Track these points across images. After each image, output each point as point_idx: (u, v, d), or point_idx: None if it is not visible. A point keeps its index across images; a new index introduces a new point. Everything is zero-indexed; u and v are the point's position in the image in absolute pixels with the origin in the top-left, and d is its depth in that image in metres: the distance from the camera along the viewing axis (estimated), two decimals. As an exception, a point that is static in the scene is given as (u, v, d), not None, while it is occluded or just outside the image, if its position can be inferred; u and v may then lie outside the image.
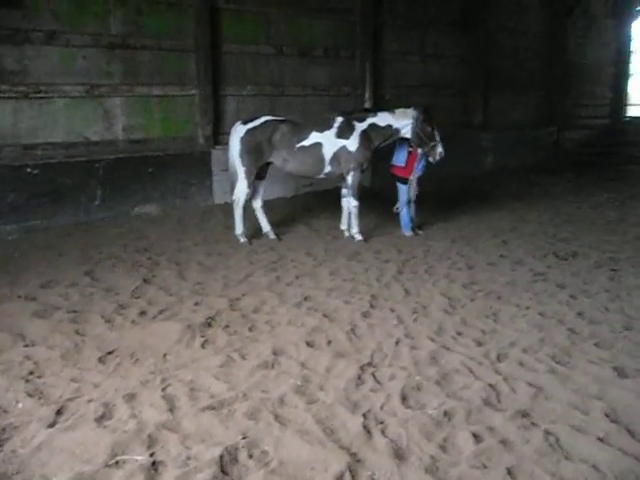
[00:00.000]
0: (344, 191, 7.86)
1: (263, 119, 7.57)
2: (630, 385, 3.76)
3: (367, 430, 3.27)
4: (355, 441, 3.17)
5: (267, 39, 10.34)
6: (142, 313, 5.16)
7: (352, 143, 7.48)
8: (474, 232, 8.31)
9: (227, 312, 5.17)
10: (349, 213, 7.86)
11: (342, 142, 7.48)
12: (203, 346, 4.47)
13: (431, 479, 2.84)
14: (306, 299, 5.50)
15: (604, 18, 17.05)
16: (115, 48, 8.69)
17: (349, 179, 7.61)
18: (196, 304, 5.39)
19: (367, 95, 11.62)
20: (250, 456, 3.05)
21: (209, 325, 4.87)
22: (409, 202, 7.97)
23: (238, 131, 7.53)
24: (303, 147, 7.44)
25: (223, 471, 2.90)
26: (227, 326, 4.85)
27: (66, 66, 8.33)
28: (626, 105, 18.52)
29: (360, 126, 7.55)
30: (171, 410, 3.51)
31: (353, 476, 2.88)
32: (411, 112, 7.52)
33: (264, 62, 10.40)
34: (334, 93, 11.37)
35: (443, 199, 10.60)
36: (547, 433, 3.22)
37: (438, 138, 7.54)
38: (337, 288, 5.82)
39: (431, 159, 7.67)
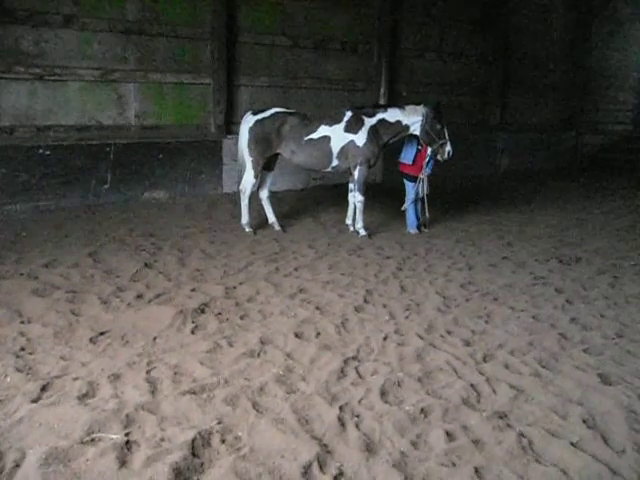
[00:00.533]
0: (351, 186, 7.88)
1: (273, 110, 7.61)
2: (612, 392, 3.74)
3: (342, 422, 3.29)
4: (328, 432, 3.20)
5: (283, 30, 10.36)
6: (139, 296, 5.23)
7: (360, 138, 7.48)
8: (480, 232, 8.28)
9: (222, 300, 5.22)
10: (354, 208, 7.87)
11: (350, 136, 7.49)
12: (193, 332, 4.53)
13: (397, 474, 2.86)
14: (301, 291, 5.53)
15: (631, 22, 16.78)
16: (131, 34, 8.78)
17: (355, 174, 7.61)
18: (193, 290, 5.45)
19: (382, 91, 11.59)
20: (223, 441, 3.09)
21: (202, 311, 4.92)
22: (417, 200, 7.95)
23: (247, 121, 7.58)
24: (311, 140, 7.46)
25: (194, 454, 2.95)
26: (219, 313, 4.90)
27: (82, 50, 8.44)
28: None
29: (369, 121, 7.54)
30: (152, 392, 3.56)
31: (321, 466, 2.91)
32: (421, 109, 7.51)
33: (279, 53, 10.42)
34: (349, 87, 11.36)
35: (453, 198, 10.56)
36: (521, 435, 3.23)
37: (447, 136, 7.53)
38: (334, 281, 5.84)
39: (439, 157, 7.67)
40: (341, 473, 2.89)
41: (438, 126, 7.49)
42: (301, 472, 2.86)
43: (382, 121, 7.55)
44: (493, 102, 13.91)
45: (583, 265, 6.84)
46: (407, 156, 7.87)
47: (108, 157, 8.68)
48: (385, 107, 7.82)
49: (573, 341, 4.61)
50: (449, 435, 3.21)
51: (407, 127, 7.58)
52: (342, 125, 7.52)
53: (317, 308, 5.08)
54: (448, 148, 7.54)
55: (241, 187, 7.73)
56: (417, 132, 7.56)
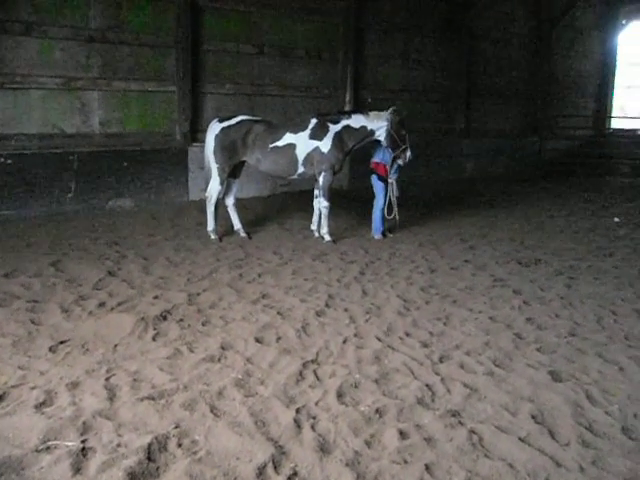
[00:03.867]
0: (316, 192, 7.96)
1: (239, 118, 7.68)
2: (561, 389, 3.87)
3: (298, 424, 3.35)
4: (284, 434, 3.25)
5: (248, 38, 10.43)
6: (101, 305, 5.23)
7: (325, 144, 7.59)
8: (443, 237, 8.43)
9: (184, 306, 5.24)
10: (319, 214, 7.95)
11: (315, 143, 7.59)
12: (154, 338, 4.55)
13: (350, 472, 2.93)
14: (264, 296, 5.58)
15: (590, 30, 17.23)
16: (94, 42, 8.77)
17: (320, 180, 7.71)
18: (155, 297, 5.46)
19: (348, 98, 11.73)
20: (179, 445, 3.12)
21: (164, 318, 4.94)
22: (384, 205, 8.04)
23: (213, 129, 7.63)
24: (276, 147, 7.54)
25: (149, 458, 2.97)
26: (181, 320, 4.93)
27: (43, 58, 8.41)
28: (609, 117, 18.70)
29: (334, 128, 7.66)
30: (111, 399, 3.58)
31: (276, 467, 2.97)
32: (385, 115, 7.71)
33: (245, 61, 10.49)
34: (315, 94, 11.47)
35: (418, 203, 10.71)
36: (472, 432, 3.32)
37: (408, 142, 7.74)
38: (296, 287, 5.90)
39: (400, 162, 7.87)
40: (295, 473, 2.94)
41: (403, 132, 7.70)
42: (256, 473, 2.91)
43: (347, 127, 7.68)
44: (458, 108, 14.16)
45: (541, 267, 7.01)
46: (385, 158, 7.93)
47: (72, 166, 8.64)
48: (349, 113, 7.95)
49: (527, 340, 4.73)
50: (402, 434, 3.29)
51: (372, 132, 7.73)
52: (307, 132, 7.62)
53: (279, 313, 5.13)
54: (409, 153, 7.79)
55: (207, 194, 7.76)
56: (382, 137, 7.71)
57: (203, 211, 9.35)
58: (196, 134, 9.93)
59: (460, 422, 3.44)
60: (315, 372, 4.02)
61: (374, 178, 8.09)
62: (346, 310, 5.28)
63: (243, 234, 7.93)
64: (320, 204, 7.85)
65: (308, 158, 7.62)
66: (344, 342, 4.55)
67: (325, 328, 4.84)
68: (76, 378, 3.82)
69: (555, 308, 5.56)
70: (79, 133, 8.86)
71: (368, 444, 3.20)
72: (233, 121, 7.61)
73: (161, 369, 3.99)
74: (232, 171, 7.76)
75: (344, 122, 7.69)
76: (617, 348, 4.61)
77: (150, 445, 3.06)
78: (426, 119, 13.41)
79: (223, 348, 4.37)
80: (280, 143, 7.55)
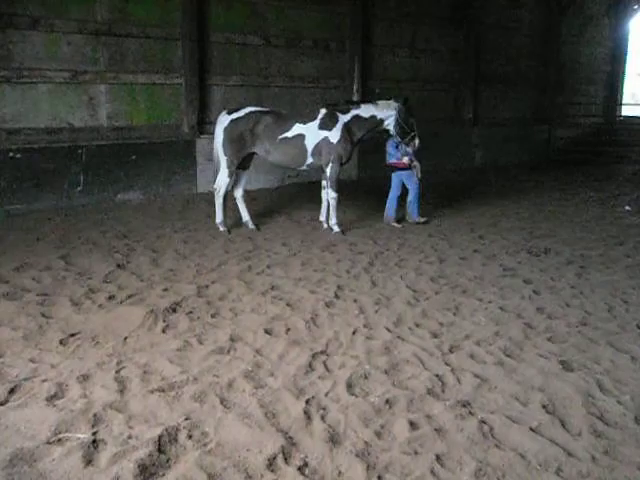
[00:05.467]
0: (324, 182, 7.93)
1: (248, 109, 7.64)
2: (573, 378, 3.84)
3: (308, 415, 3.35)
4: (294, 425, 3.26)
5: (255, 29, 10.38)
6: (111, 297, 5.24)
7: (334, 135, 7.57)
8: (452, 226, 8.39)
9: (193, 298, 5.25)
10: (328, 205, 7.93)
11: (324, 133, 7.56)
12: (164, 331, 4.56)
13: (360, 463, 2.92)
14: (273, 288, 5.58)
15: (600, 16, 17.04)
16: (101, 35, 8.76)
17: (328, 171, 7.68)
18: (165, 290, 5.47)
19: (355, 88, 11.67)
20: (190, 437, 3.13)
21: (173, 311, 4.95)
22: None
23: (222, 121, 7.60)
24: (286, 138, 7.51)
25: (160, 450, 2.99)
26: (191, 312, 4.94)
27: (50, 52, 8.40)
28: (620, 104, 18.51)
29: (343, 118, 7.64)
30: (121, 391, 3.59)
31: (286, 458, 2.97)
32: (393, 104, 7.72)
33: (252, 52, 10.45)
34: (322, 85, 11.42)
35: (426, 193, 10.63)
36: (482, 422, 3.31)
37: (416, 129, 7.79)
38: (305, 278, 5.89)
39: (410, 149, 7.95)
40: (305, 464, 2.94)
41: (411, 119, 7.73)
42: (266, 464, 2.91)
43: (356, 117, 7.67)
44: (466, 97, 14.05)
45: (551, 256, 6.97)
46: (398, 155, 8.07)
47: (80, 159, 8.65)
48: (358, 103, 7.93)
49: (538, 330, 4.71)
50: (412, 425, 3.28)
51: (382, 121, 7.75)
52: (316, 123, 7.59)
53: (288, 305, 5.13)
54: (417, 141, 7.84)
55: (215, 186, 7.74)
56: (390, 126, 7.75)
57: (211, 203, 9.35)
58: (204, 126, 9.92)
59: (470, 412, 3.43)
60: (325, 363, 4.02)
61: (397, 174, 8.21)
62: (355, 301, 5.27)
63: (252, 226, 7.93)
64: (328, 195, 7.83)
65: (317, 148, 7.59)
66: (353, 333, 4.54)
67: (334, 319, 4.83)
68: (87, 371, 3.84)
69: (566, 297, 5.52)
70: (87, 127, 8.87)
71: (378, 435, 3.19)
72: (242, 112, 7.57)
73: (171, 361, 4.00)
74: (242, 163, 7.75)
75: (354, 112, 7.68)
76: (629, 337, 4.58)
77: (160, 437, 3.07)
78: (434, 108, 13.32)
79: (232, 340, 4.38)
80: (289, 134, 7.52)
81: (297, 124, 7.57)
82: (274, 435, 3.14)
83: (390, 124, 7.75)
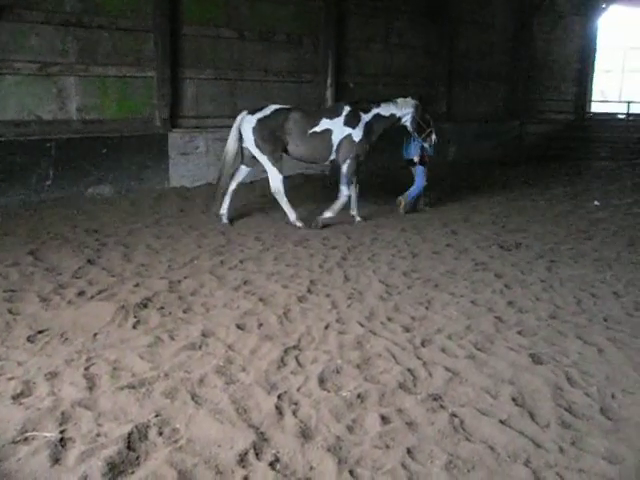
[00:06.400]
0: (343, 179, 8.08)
1: (272, 107, 7.73)
2: (542, 371, 3.90)
3: (279, 410, 3.34)
4: (265, 421, 3.24)
5: (228, 22, 10.27)
6: (80, 293, 5.16)
7: (357, 133, 7.84)
8: (425, 221, 8.44)
9: (165, 294, 5.20)
10: (355, 199, 8.18)
11: (349, 130, 7.81)
12: (135, 326, 4.51)
13: (331, 458, 2.93)
14: (246, 283, 5.56)
15: (571, 14, 17.24)
16: (70, 26, 8.58)
17: (344, 168, 7.90)
18: (136, 285, 5.40)
19: (329, 82, 11.63)
20: (160, 433, 3.10)
21: (144, 306, 4.89)
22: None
23: (248, 121, 7.61)
24: (315, 133, 7.70)
25: (130, 447, 2.95)
26: (162, 307, 4.89)
27: (18, 42, 8.20)
28: (590, 101, 18.77)
29: (365, 117, 7.91)
30: (90, 388, 3.54)
31: (257, 454, 2.96)
32: (411, 101, 8.16)
33: (225, 46, 10.33)
34: (296, 79, 11.36)
35: (399, 188, 10.67)
36: (453, 416, 3.33)
37: (432, 125, 8.31)
38: (278, 273, 5.88)
39: (427, 145, 8.41)
40: (277, 459, 2.93)
41: (427, 116, 8.29)
42: (237, 460, 2.90)
43: (377, 116, 7.96)
44: (439, 92, 14.10)
45: (523, 250, 7.05)
46: (412, 152, 8.56)
47: (49, 153, 8.48)
48: (378, 102, 8.15)
49: (508, 324, 4.76)
50: (384, 419, 3.29)
51: (400, 119, 8.16)
52: (342, 119, 7.81)
53: (260, 299, 5.11)
54: (434, 136, 8.35)
55: (273, 190, 7.77)
56: (408, 123, 8.17)
57: (184, 197, 9.33)
58: (176, 120, 9.81)
59: (441, 406, 3.46)
60: (297, 358, 4.01)
61: (419, 168, 8.65)
62: (328, 295, 5.27)
63: (225, 220, 7.88)
64: (340, 191, 7.93)
65: (340, 145, 7.82)
66: (326, 328, 4.54)
67: (307, 314, 4.83)
68: (55, 368, 3.77)
69: (536, 291, 5.59)
70: (56, 120, 8.69)
71: (350, 429, 3.20)
72: (267, 111, 7.63)
73: (141, 357, 3.96)
74: (241, 156, 7.80)
75: (375, 110, 7.96)
76: (596, 330, 4.66)
77: (130, 434, 3.04)
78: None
79: (204, 335, 4.35)
80: (318, 129, 7.71)
81: (324, 119, 7.77)
82: (245, 431, 3.13)
83: (407, 121, 8.14)
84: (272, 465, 2.89)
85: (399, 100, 8.08)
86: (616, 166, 15.15)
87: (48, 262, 6.02)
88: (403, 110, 8.07)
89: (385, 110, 7.99)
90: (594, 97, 19.12)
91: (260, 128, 7.50)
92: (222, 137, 10.05)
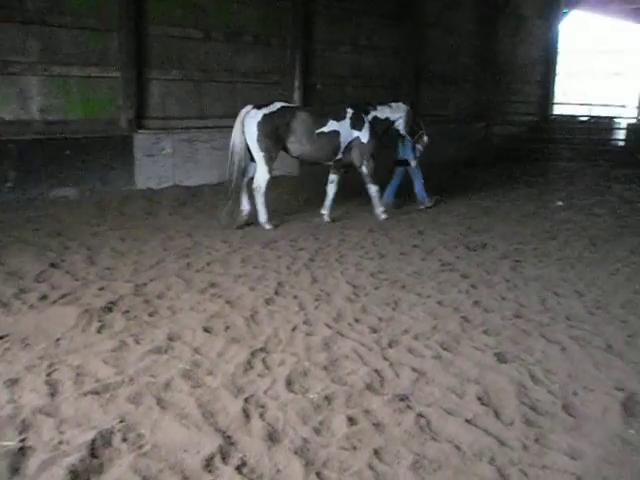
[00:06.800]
0: (332, 177, 8.36)
1: (279, 104, 7.77)
2: (506, 370, 3.95)
3: (246, 414, 3.32)
4: (232, 424, 3.22)
5: (195, 23, 10.17)
6: (43, 297, 5.05)
7: (364, 135, 8.15)
8: (392, 222, 8.49)
9: (130, 297, 5.12)
10: (332, 198, 8.37)
11: (356, 133, 8.10)
12: (99, 331, 4.42)
13: (299, 460, 2.92)
14: (212, 285, 5.51)
15: (533, 18, 17.56)
16: (31, 24, 8.39)
17: (364, 169, 8.26)
18: (100, 289, 5.31)
19: (297, 84, 11.61)
20: (124, 439, 3.05)
21: (109, 310, 4.81)
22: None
23: (253, 115, 7.56)
24: (322, 133, 7.83)
25: (93, 455, 2.90)
26: (127, 311, 4.81)
27: (-24, 41, 8.01)
28: (553, 103, 19.15)
29: (366, 118, 8.23)
30: (52, 395, 3.46)
31: (224, 458, 2.93)
32: (403, 106, 8.61)
33: (191, 46, 10.24)
34: (263, 81, 11.31)
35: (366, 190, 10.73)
36: (419, 416, 3.35)
37: (423, 127, 8.88)
38: (245, 275, 5.85)
39: (419, 146, 9.01)
40: (244, 463, 2.92)
41: (418, 119, 8.86)
42: (203, 465, 2.87)
43: (375, 118, 8.32)
44: (407, 94, 14.16)
45: (488, 250, 7.15)
46: (406, 153, 9.18)
47: (11, 154, 8.28)
48: (375, 105, 8.47)
49: (474, 323, 4.81)
50: (351, 420, 3.30)
51: (393, 122, 8.59)
52: (347, 121, 8.05)
53: (227, 302, 5.07)
54: (426, 138, 8.92)
55: (255, 185, 7.68)
56: (400, 127, 8.64)
57: (150, 199, 9.21)
58: (142, 121, 9.68)
59: (408, 406, 3.47)
60: (264, 361, 4.00)
61: (412, 168, 9.28)
62: (295, 297, 5.26)
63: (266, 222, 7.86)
64: (369, 189, 8.40)
65: (348, 146, 8.09)
66: (293, 330, 4.53)
67: (274, 316, 4.81)
68: (15, 374, 3.68)
69: (501, 291, 5.67)
70: (18, 120, 8.49)
71: (317, 431, 3.20)
72: (274, 107, 7.64)
73: (106, 362, 3.89)
74: (251, 156, 7.74)
75: (373, 113, 8.31)
76: (559, 328, 4.74)
77: (94, 441, 2.98)
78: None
79: (170, 339, 4.29)
80: (326, 129, 7.85)
81: (332, 120, 7.92)
82: (212, 435, 3.10)
83: (400, 125, 8.58)
84: (239, 469, 2.87)
85: (393, 104, 8.52)
86: (578, 167, 15.47)
87: (9, 266, 5.87)
88: (396, 114, 8.50)
89: (381, 113, 8.37)
90: (557, 99, 19.52)
91: (265, 124, 7.51)
92: (189, 138, 10.04)
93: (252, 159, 7.79)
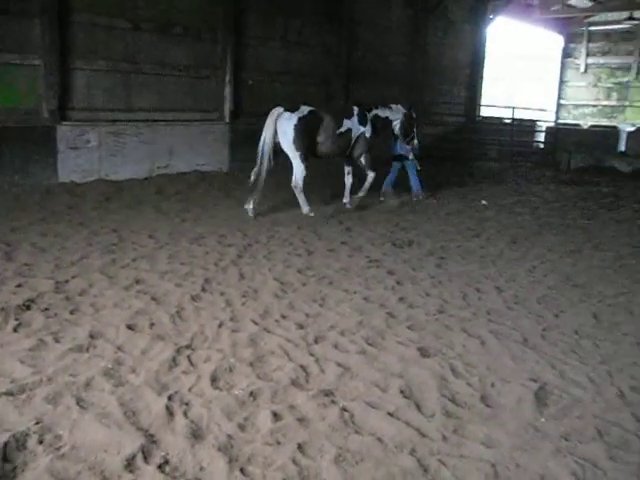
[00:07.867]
0: (347, 168, 9.37)
1: (308, 108, 8.39)
2: (429, 364, 4.06)
3: (170, 411, 3.28)
4: (155, 423, 3.17)
5: (123, 12, 9.93)
6: (-45, 296, 4.81)
7: (368, 130, 9.03)
8: (321, 219, 8.54)
9: (50, 294, 4.95)
10: (350, 186, 9.39)
11: (362, 129, 8.97)
12: (16, 329, 4.25)
13: (222, 457, 2.91)
14: (138, 282, 5.40)
15: (462, 22, 18.07)
16: (-56, 8, 7.97)
17: (363, 161, 9.12)
18: (18, 286, 5.10)
19: (228, 79, 11.53)
20: (40, 442, 2.95)
21: (27, 308, 4.63)
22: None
23: (289, 118, 8.17)
24: (341, 132, 8.70)
25: (5, 459, 2.79)
26: (47, 309, 4.64)
27: None
28: (479, 105, 19.77)
29: (369, 116, 9.07)
30: (-37, 397, 3.31)
31: (145, 457, 2.88)
32: (402, 108, 9.56)
33: (119, 36, 9.99)
34: (193, 74, 11.17)
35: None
36: (343, 410, 3.40)
37: (415, 132, 9.78)
38: (172, 271, 5.76)
39: (410, 147, 9.88)
40: (166, 462, 2.88)
41: (412, 122, 9.68)
42: (124, 465, 2.81)
43: (376, 116, 9.20)
44: (337, 92, 14.33)
45: (414, 248, 7.32)
46: (404, 149, 10.02)
47: None
48: (376, 106, 9.34)
49: (399, 319, 4.92)
50: (276, 415, 3.31)
51: (391, 122, 9.52)
52: (355, 118, 8.89)
53: (153, 299, 4.98)
54: (415, 141, 9.90)
55: (294, 183, 8.36)
56: (396, 127, 9.54)
57: (74, 193, 8.92)
58: (65, 112, 9.36)
59: (333, 401, 3.52)
60: (189, 357, 3.95)
61: (407, 163, 10.26)
62: (222, 294, 5.22)
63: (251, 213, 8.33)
64: (368, 175, 9.17)
65: (357, 141, 8.94)
66: (219, 326, 4.50)
67: (200, 313, 4.76)
68: None
69: (426, 287, 5.82)
70: None
71: (241, 427, 3.19)
72: (305, 111, 8.31)
73: (22, 362, 3.74)
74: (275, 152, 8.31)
75: (374, 112, 9.17)
76: (480, 323, 4.91)
77: (6, 444, 2.86)
78: (306, 102, 13.43)
79: (92, 337, 4.18)
80: (343, 129, 8.70)
81: (345, 119, 8.75)
82: (133, 434, 3.04)
83: (397, 125, 9.51)
84: (161, 467, 2.83)
85: (393, 106, 9.46)
86: (502, 167, 16.05)
87: None
88: (394, 115, 9.45)
89: (382, 112, 9.28)
90: (483, 102, 20.15)
91: (301, 126, 8.17)
92: (116, 131, 9.78)
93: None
